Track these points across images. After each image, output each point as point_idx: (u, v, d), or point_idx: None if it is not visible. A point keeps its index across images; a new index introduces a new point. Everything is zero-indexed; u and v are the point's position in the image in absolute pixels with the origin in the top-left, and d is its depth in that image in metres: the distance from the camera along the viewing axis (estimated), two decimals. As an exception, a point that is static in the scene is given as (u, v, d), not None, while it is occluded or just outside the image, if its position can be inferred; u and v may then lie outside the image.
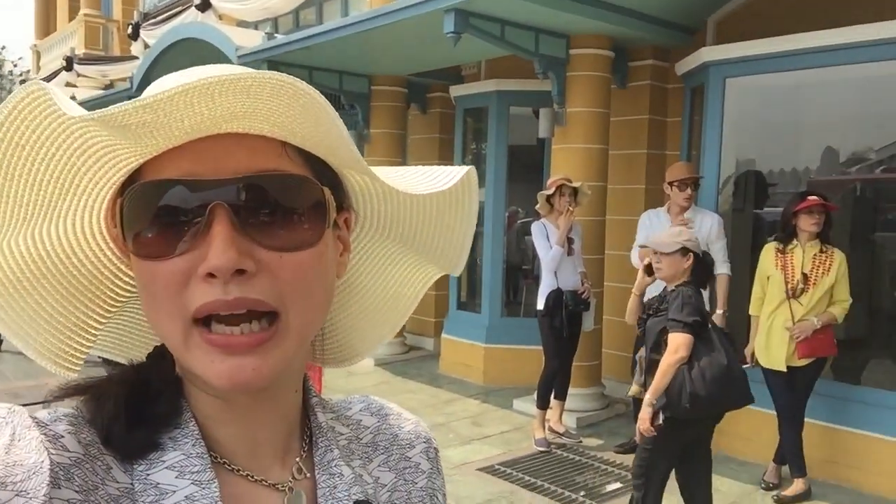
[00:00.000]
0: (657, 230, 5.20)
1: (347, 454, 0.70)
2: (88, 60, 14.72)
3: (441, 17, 5.21)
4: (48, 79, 14.32)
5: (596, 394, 6.23)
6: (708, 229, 5.09)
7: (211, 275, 0.54)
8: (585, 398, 6.11)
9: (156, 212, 0.55)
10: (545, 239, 5.40)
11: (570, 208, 5.35)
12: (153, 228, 0.56)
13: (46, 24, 18.89)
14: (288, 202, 0.57)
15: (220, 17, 10.93)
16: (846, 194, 5.85)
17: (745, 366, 4.86)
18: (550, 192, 5.42)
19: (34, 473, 0.50)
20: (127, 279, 0.67)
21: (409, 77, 8.10)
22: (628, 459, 5.22)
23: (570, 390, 5.73)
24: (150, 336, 0.72)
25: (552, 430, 5.64)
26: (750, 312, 4.83)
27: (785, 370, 4.53)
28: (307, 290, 0.59)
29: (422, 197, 0.68)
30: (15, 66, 35.22)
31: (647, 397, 3.40)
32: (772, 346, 4.60)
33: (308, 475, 0.67)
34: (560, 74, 5.96)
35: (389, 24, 5.75)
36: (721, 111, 5.48)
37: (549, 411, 5.61)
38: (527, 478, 4.89)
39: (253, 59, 7.20)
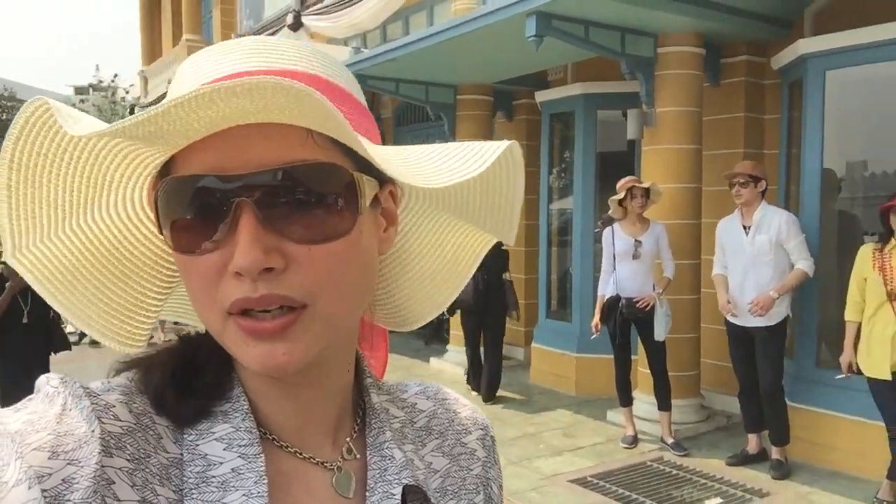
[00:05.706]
0: (732, 236, 5.02)
1: (400, 437, 0.69)
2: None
3: (524, 21, 5.15)
4: (155, 102, 15.06)
5: (695, 405, 5.98)
6: (777, 228, 4.87)
7: (240, 273, 0.54)
8: (683, 410, 5.86)
9: (186, 207, 0.56)
10: (609, 245, 5.54)
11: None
12: (185, 223, 0.56)
13: (152, 50, 19.93)
14: (316, 192, 0.55)
15: (312, 36, 11.23)
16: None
17: (838, 376, 4.56)
18: (621, 196, 5.40)
19: (85, 443, 0.52)
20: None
21: (495, 85, 8.07)
22: (730, 473, 4.99)
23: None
24: None
25: (661, 441, 5.55)
26: (846, 318, 4.50)
27: (890, 378, 4.20)
28: (338, 280, 0.58)
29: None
30: (127, 92, 37.40)
31: None
32: (873, 353, 4.28)
33: (358, 456, 0.67)
34: (648, 74, 5.79)
35: (472, 32, 5.75)
36: (821, 106, 5.19)
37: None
38: (620, 490, 4.73)
39: (342, 74, 7.32)
